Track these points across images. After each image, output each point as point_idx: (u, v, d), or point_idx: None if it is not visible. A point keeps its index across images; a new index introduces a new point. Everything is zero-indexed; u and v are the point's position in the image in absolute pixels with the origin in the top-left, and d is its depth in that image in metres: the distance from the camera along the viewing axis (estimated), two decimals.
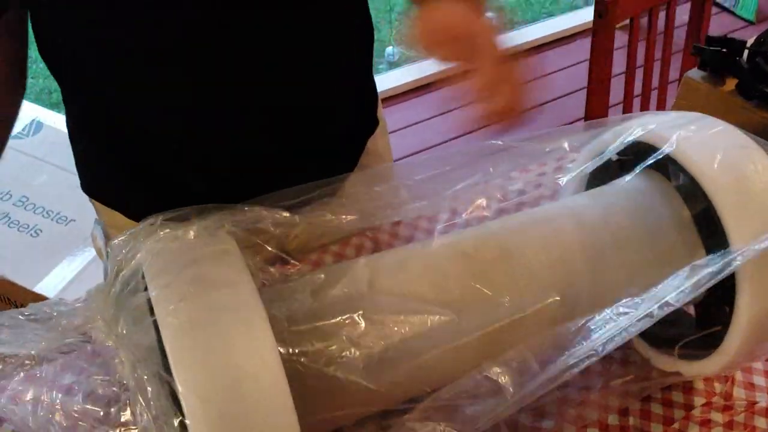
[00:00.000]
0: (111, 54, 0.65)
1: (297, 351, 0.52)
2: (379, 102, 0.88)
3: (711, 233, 0.59)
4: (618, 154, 0.65)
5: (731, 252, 0.55)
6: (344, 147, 0.82)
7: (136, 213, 0.78)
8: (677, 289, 0.53)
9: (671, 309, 0.53)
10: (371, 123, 0.86)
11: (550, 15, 2.80)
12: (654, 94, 1.45)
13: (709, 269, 0.54)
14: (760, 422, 0.67)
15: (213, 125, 0.69)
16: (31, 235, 1.39)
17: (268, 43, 0.65)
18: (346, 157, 0.83)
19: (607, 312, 0.54)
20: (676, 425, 0.67)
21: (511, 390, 0.52)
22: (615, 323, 0.53)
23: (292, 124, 0.72)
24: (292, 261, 0.60)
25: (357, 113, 0.83)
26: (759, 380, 0.70)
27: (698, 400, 0.68)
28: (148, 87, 0.66)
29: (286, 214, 0.58)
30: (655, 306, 0.53)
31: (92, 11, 0.61)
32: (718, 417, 0.67)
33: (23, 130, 1.55)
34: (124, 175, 0.76)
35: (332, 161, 0.80)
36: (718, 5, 2.69)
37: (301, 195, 0.59)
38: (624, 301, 0.54)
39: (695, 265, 0.55)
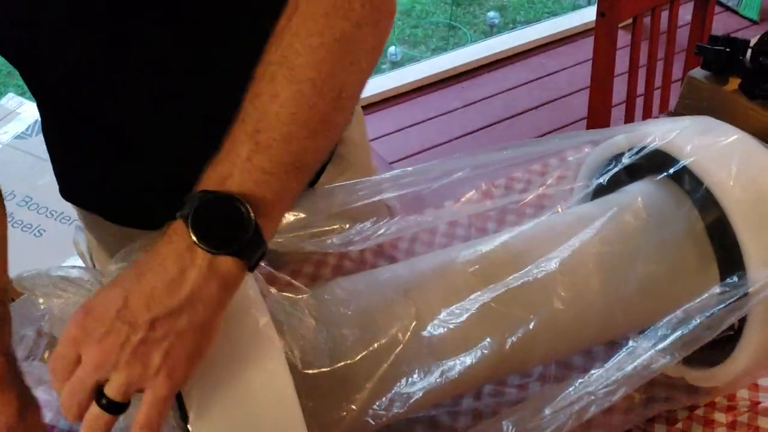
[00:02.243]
0: (38, 68, 0.64)
1: (310, 395, 0.51)
2: None
3: (724, 245, 0.58)
4: (630, 159, 0.64)
5: (748, 285, 0.55)
6: None
7: (115, 216, 0.78)
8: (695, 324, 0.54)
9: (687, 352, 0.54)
10: None
11: (553, 14, 2.80)
12: (657, 94, 1.45)
13: (727, 305, 0.54)
14: (763, 422, 0.67)
15: (182, 127, 0.67)
16: (34, 234, 1.40)
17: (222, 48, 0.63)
18: None
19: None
20: (679, 425, 0.67)
21: None
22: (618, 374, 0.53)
23: None
24: (280, 274, 0.59)
25: None
26: (763, 381, 0.70)
27: (702, 400, 0.68)
28: (98, 98, 0.65)
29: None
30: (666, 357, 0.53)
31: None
32: (721, 417, 0.67)
33: (27, 130, 1.56)
34: (98, 179, 0.76)
35: None
36: (721, 4, 2.69)
37: None
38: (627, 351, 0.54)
39: (712, 297, 0.54)
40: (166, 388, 0.44)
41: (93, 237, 0.85)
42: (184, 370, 0.44)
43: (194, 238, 0.44)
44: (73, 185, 0.79)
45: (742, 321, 0.57)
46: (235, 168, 0.46)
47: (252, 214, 0.45)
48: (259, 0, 0.61)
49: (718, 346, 0.61)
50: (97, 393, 0.44)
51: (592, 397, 0.51)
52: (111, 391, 0.44)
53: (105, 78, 0.64)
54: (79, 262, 1.18)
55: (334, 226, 0.58)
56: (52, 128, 0.76)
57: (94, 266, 0.88)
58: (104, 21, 0.60)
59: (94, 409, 0.44)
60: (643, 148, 0.62)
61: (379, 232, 0.58)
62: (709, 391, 0.67)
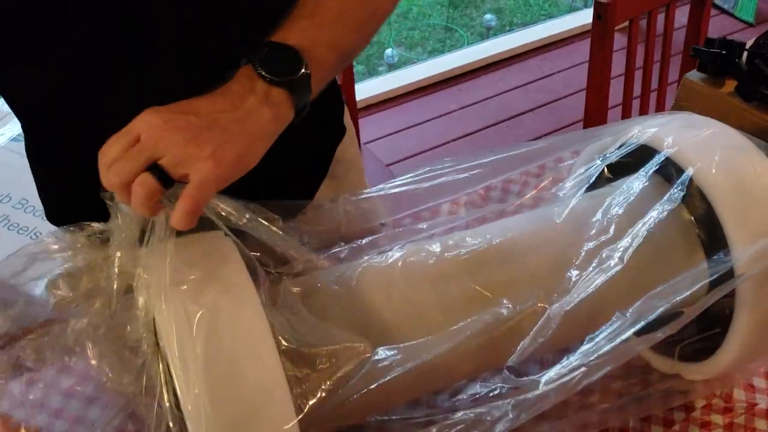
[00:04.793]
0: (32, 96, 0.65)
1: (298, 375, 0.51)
2: (345, 109, 0.87)
3: (710, 234, 0.59)
4: (618, 155, 0.65)
5: (732, 265, 0.55)
6: (313, 155, 0.82)
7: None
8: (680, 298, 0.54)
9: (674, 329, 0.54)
10: (338, 130, 0.85)
11: (550, 17, 2.80)
12: (653, 96, 1.45)
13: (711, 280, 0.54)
14: (760, 424, 0.67)
15: None
16: (30, 237, 1.39)
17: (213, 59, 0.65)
18: (317, 166, 0.82)
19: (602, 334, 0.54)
20: (676, 427, 0.67)
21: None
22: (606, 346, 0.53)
23: None
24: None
25: (321, 121, 0.82)
26: (759, 382, 0.70)
27: (699, 402, 0.68)
28: (93, 121, 0.65)
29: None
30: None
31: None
32: (718, 419, 0.67)
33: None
34: (87, 204, 0.76)
35: (302, 170, 0.79)
36: (717, 7, 2.69)
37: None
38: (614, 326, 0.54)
39: (697, 273, 0.55)
40: (212, 173, 0.49)
41: None
42: (230, 166, 0.50)
43: (259, 68, 0.53)
44: (60, 211, 0.79)
45: (732, 310, 0.58)
46: (291, 34, 0.57)
47: (305, 61, 0.55)
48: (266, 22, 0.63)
49: (712, 342, 0.61)
50: (149, 168, 0.49)
51: (583, 369, 0.52)
52: (166, 161, 0.49)
53: (95, 98, 0.64)
54: None
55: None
56: (37, 154, 0.76)
57: None
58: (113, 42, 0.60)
59: (145, 176, 0.48)
60: (627, 144, 0.63)
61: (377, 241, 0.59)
62: (706, 389, 0.67)
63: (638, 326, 0.54)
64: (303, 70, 0.55)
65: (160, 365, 0.49)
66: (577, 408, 0.65)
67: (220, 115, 0.51)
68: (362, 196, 0.61)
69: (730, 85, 0.93)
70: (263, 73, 0.53)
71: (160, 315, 0.48)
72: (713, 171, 0.58)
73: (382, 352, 0.53)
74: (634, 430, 0.67)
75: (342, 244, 0.62)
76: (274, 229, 0.55)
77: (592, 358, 0.53)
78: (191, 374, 0.46)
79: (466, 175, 0.61)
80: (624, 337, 0.53)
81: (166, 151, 0.49)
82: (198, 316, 0.47)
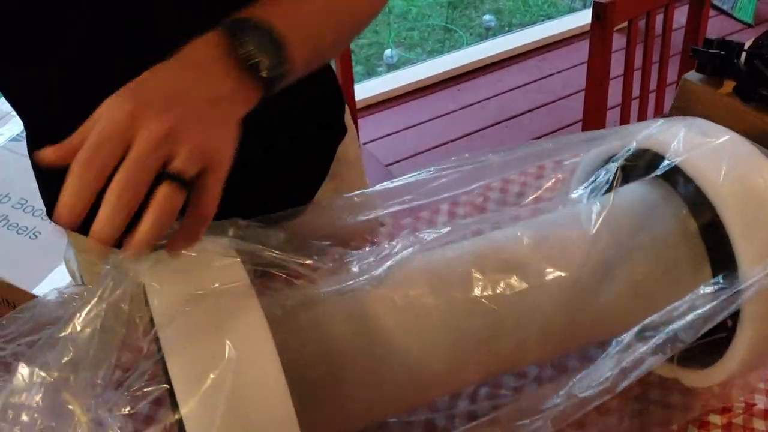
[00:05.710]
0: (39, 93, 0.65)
1: (299, 368, 0.51)
2: (347, 109, 0.87)
3: (717, 245, 0.58)
4: (624, 161, 0.64)
5: (740, 282, 0.54)
6: (313, 154, 0.82)
7: None
8: (687, 320, 0.54)
9: (679, 348, 0.53)
10: (338, 129, 0.85)
11: (549, 17, 2.80)
12: (652, 97, 1.45)
13: (718, 302, 0.54)
14: (758, 424, 0.67)
15: None
16: (29, 237, 1.39)
17: None
18: (317, 165, 0.82)
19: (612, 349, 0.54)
20: (674, 427, 0.67)
21: None
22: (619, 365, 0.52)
23: (258, 135, 0.68)
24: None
25: (321, 119, 0.82)
26: (757, 383, 0.70)
27: (696, 405, 0.68)
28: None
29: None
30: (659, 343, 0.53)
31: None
32: (716, 419, 0.67)
33: (22, 132, 1.56)
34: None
35: (303, 169, 0.79)
36: (716, 8, 2.70)
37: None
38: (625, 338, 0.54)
39: (704, 295, 0.55)
40: (224, 170, 0.43)
41: (83, 258, 0.85)
42: (229, 161, 0.44)
43: (250, 49, 0.47)
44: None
45: (735, 321, 0.58)
46: (274, 15, 0.50)
47: (288, 56, 0.48)
48: None
49: (713, 348, 0.61)
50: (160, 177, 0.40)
51: (579, 399, 0.52)
52: (181, 162, 0.40)
53: (95, 98, 0.64)
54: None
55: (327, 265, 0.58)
56: (40, 142, 0.76)
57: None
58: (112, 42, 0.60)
59: (165, 188, 0.40)
60: (636, 149, 0.62)
61: (383, 254, 0.58)
62: (704, 397, 0.67)
63: (642, 349, 0.53)
64: (286, 67, 0.49)
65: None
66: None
67: (200, 104, 0.44)
68: (360, 192, 0.60)
69: (729, 85, 0.94)
70: (251, 60, 0.47)
71: (174, 378, 0.45)
72: (722, 181, 0.57)
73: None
74: (632, 430, 0.67)
75: (351, 253, 0.60)
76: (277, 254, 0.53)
77: (589, 391, 0.52)
78: None
79: (466, 170, 0.60)
80: (624, 363, 0.53)
81: (173, 151, 0.41)
82: (213, 380, 0.44)
